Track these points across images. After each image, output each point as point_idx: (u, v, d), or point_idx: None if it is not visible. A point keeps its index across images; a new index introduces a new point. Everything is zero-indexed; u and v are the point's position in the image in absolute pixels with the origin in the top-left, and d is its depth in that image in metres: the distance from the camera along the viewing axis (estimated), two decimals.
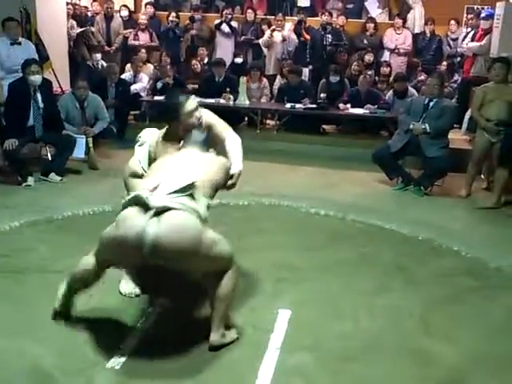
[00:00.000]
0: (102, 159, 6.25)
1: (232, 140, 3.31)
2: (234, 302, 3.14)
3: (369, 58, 8.33)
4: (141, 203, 2.45)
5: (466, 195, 5.56)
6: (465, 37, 8.11)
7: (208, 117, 3.34)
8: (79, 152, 5.82)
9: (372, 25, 8.71)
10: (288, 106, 7.28)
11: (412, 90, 7.28)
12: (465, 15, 8.99)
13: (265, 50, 8.65)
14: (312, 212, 4.85)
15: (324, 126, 7.59)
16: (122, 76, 7.88)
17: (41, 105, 5.48)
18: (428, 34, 8.72)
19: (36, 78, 5.37)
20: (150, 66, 8.33)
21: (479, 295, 3.47)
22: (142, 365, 2.62)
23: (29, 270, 3.53)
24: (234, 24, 8.87)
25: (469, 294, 3.48)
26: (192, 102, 3.21)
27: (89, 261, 2.73)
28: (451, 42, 8.67)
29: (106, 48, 8.84)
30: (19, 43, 6.36)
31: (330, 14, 8.77)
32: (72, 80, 7.29)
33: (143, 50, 8.43)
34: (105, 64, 8.04)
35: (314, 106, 7.22)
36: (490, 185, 5.73)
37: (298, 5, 9.64)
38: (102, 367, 2.59)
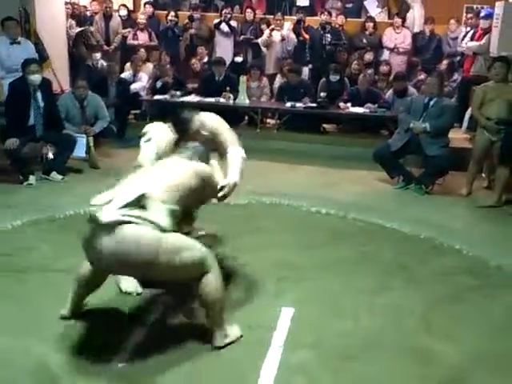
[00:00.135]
0: (103, 158, 6.26)
1: (234, 153, 3.30)
2: (237, 300, 3.17)
3: (369, 57, 8.35)
4: (92, 219, 2.47)
5: (466, 194, 5.57)
6: (464, 36, 8.10)
7: (216, 123, 3.35)
8: (80, 151, 5.85)
9: (371, 24, 8.69)
10: (288, 104, 7.28)
11: (412, 89, 7.28)
12: (464, 14, 8.98)
13: (264, 49, 8.65)
14: (313, 211, 4.86)
15: (324, 125, 7.60)
16: (122, 75, 7.88)
17: (41, 104, 5.49)
18: (427, 34, 8.70)
19: (36, 78, 5.38)
20: (150, 66, 8.32)
21: (480, 294, 3.48)
22: (146, 362, 2.62)
23: (31, 268, 3.54)
24: (233, 23, 8.86)
25: (470, 293, 3.48)
26: (199, 118, 3.21)
27: (86, 266, 2.76)
28: (451, 42, 8.66)
29: (105, 47, 8.83)
30: (18, 43, 6.36)
31: (330, 14, 8.75)
32: (72, 79, 7.30)
33: (142, 50, 8.43)
34: (104, 63, 8.03)
35: (314, 105, 7.23)
36: (491, 183, 5.73)
37: (297, 4, 9.61)
38: (106, 365, 2.59)
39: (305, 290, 3.40)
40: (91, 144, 6.04)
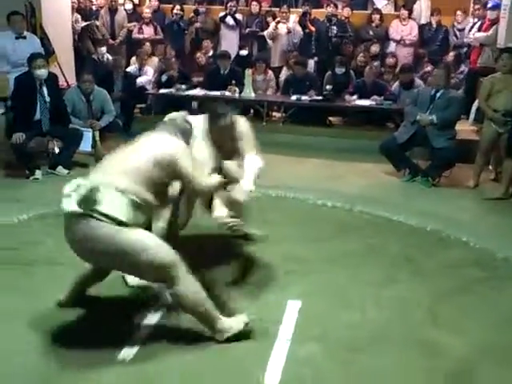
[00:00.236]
0: (109, 152, 6.23)
1: (251, 160, 3.32)
2: (244, 294, 3.17)
3: (375, 49, 8.30)
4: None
5: (473, 186, 5.55)
6: (471, 27, 8.03)
7: (245, 127, 3.38)
8: (86, 145, 5.85)
9: (377, 16, 8.64)
10: (294, 97, 7.26)
11: (418, 81, 7.24)
12: (471, 5, 8.91)
13: (270, 42, 8.61)
14: (319, 203, 4.85)
15: (330, 118, 7.57)
16: (128, 69, 7.88)
17: (47, 99, 5.50)
18: (434, 25, 8.64)
19: (42, 72, 5.39)
20: (155, 59, 8.31)
21: (487, 286, 3.47)
22: (152, 357, 2.63)
23: (37, 262, 3.57)
24: (239, 16, 8.82)
25: (476, 285, 3.48)
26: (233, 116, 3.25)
27: None
28: (458, 33, 8.60)
29: (111, 41, 8.83)
30: (24, 37, 6.35)
31: (335, 6, 8.72)
32: (77, 74, 7.30)
33: (148, 44, 8.42)
34: (110, 57, 8.03)
35: (320, 97, 7.20)
36: (498, 175, 5.70)
37: None
38: (112, 360, 2.60)
39: (312, 283, 3.40)
40: (97, 138, 6.04)
